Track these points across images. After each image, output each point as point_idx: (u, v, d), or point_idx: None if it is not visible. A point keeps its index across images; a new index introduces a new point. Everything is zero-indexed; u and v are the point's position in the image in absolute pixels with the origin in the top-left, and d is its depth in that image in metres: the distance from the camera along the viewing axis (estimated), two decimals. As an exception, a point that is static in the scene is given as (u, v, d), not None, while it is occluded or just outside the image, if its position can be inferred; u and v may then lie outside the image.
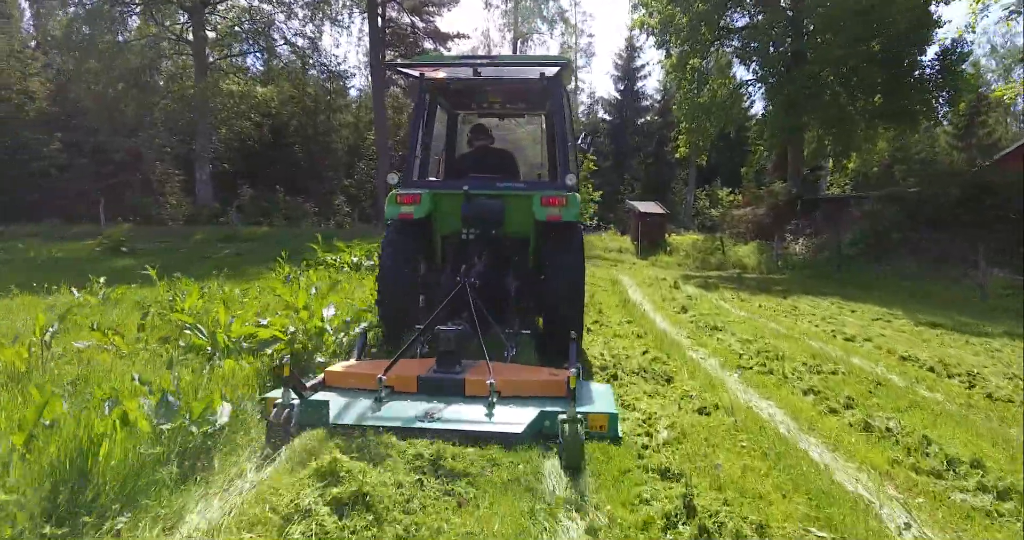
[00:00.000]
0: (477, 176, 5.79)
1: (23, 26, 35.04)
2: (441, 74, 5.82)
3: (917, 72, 20.54)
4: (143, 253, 15.75)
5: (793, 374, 5.25)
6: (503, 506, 2.66)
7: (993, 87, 43.36)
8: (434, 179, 6.58)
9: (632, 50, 48.58)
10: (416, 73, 5.78)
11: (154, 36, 29.57)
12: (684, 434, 3.58)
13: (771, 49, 22.14)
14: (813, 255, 19.33)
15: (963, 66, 20.74)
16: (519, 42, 46.38)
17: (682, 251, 23.06)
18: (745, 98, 26.23)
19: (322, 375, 3.97)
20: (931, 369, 5.64)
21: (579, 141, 6.74)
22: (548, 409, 3.53)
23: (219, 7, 30.72)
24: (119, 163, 28.55)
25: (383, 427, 3.34)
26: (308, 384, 3.66)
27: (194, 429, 2.97)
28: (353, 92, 43.50)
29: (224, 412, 3.06)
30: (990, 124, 37.03)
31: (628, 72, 48.92)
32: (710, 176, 39.98)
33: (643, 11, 25.66)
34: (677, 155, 28.94)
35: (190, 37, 29.61)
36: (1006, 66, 46.09)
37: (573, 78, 48.89)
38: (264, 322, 4.90)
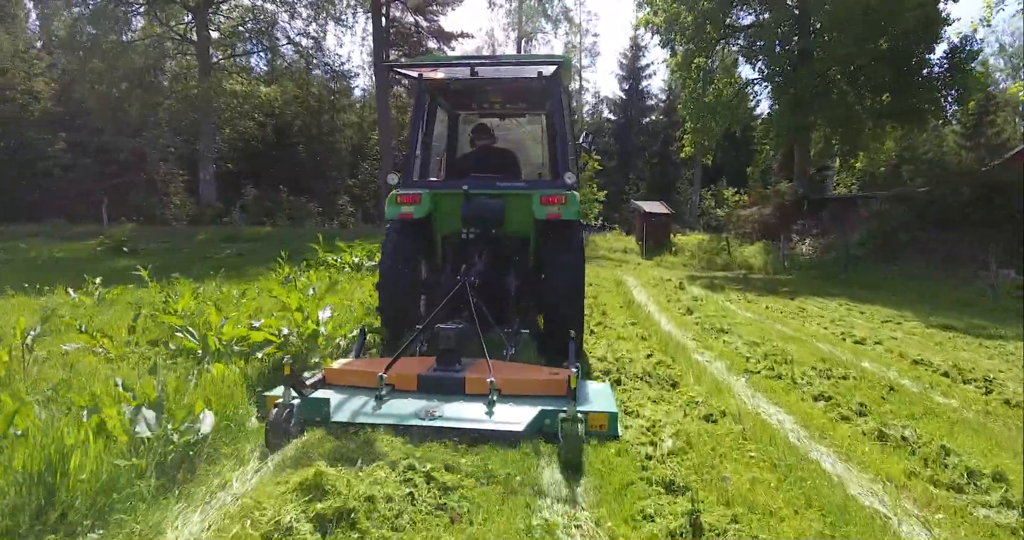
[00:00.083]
0: (477, 176, 5.78)
1: (29, 26, 35.11)
2: (439, 74, 5.80)
3: (925, 70, 20.31)
4: (145, 253, 15.69)
5: (802, 379, 5.08)
6: (498, 522, 2.52)
7: (1002, 86, 43.02)
8: (435, 179, 6.58)
9: (637, 49, 48.39)
10: (414, 74, 5.76)
11: (158, 36, 29.55)
12: (690, 443, 3.42)
13: (777, 48, 21.93)
14: (820, 255, 19.12)
15: (972, 64, 20.48)
16: (523, 42, 46.18)
17: (687, 251, 22.87)
18: (751, 97, 26.02)
19: (322, 373, 3.95)
20: (945, 374, 5.46)
21: (580, 140, 6.78)
22: (548, 408, 3.51)
23: (223, 7, 30.71)
24: (123, 163, 28.57)
25: (383, 425, 3.33)
26: (308, 382, 3.63)
27: (175, 438, 2.82)
28: (357, 92, 43.49)
29: (207, 420, 2.91)
30: (998, 124, 36.68)
31: (633, 71, 48.71)
32: (715, 176, 39.73)
33: (648, 10, 25.45)
34: (682, 155, 28.71)
35: (194, 37, 29.57)
36: (1015, 65, 45.69)
37: (577, 77, 48.86)
38: (257, 324, 4.78)
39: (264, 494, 2.63)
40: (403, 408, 3.57)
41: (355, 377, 3.90)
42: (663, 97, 48.65)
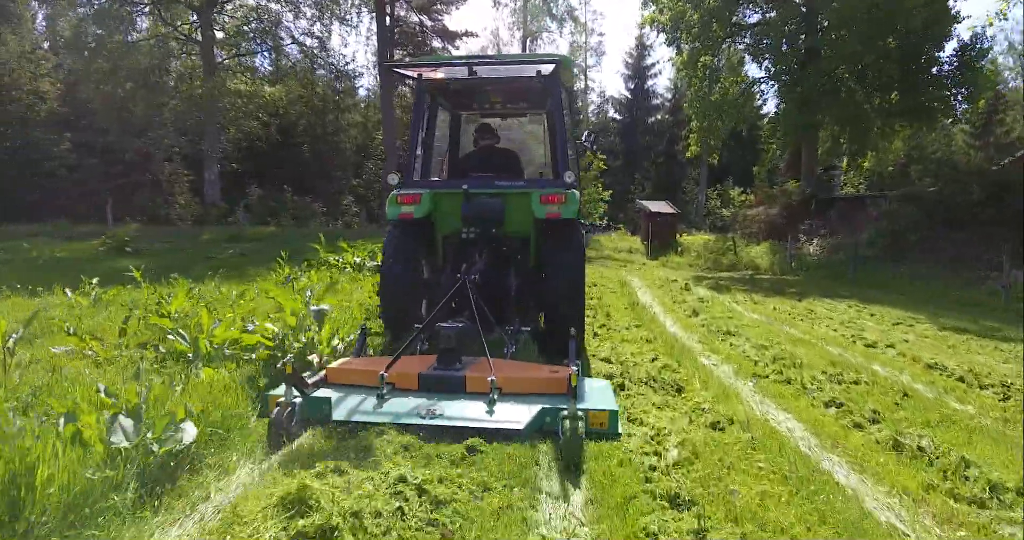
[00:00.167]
0: (477, 175, 5.80)
1: (36, 27, 35.18)
2: (439, 74, 5.82)
3: (935, 68, 20.05)
4: (147, 253, 15.62)
5: (812, 384, 4.92)
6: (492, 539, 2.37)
7: (1011, 85, 42.57)
8: (436, 179, 6.59)
9: (642, 48, 48.18)
10: (414, 74, 5.78)
11: (162, 36, 29.54)
12: (696, 453, 3.27)
13: (784, 46, 21.69)
14: (828, 256, 18.89)
15: (983, 62, 20.21)
16: (528, 41, 46.06)
17: (693, 251, 22.66)
18: (757, 96, 25.82)
19: (323, 372, 3.95)
20: (961, 379, 5.28)
21: (583, 139, 6.81)
22: (549, 406, 3.51)
23: (227, 6, 30.67)
24: (128, 163, 28.59)
25: (384, 424, 3.34)
26: (310, 381, 3.63)
27: (155, 448, 2.69)
28: (362, 91, 43.46)
29: (188, 430, 2.78)
30: (1008, 123, 36.31)
31: (638, 71, 48.49)
32: (722, 175, 39.46)
33: (653, 8, 25.26)
34: (688, 154, 28.48)
35: (199, 37, 29.55)
36: (1024, 63, 45.15)
37: (582, 77, 48.70)
38: (252, 327, 4.65)
39: (246, 508, 2.50)
40: (404, 407, 3.58)
41: (356, 376, 3.92)
42: (669, 96, 48.43)
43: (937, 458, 3.35)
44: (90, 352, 4.48)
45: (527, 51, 43.04)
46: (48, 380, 3.52)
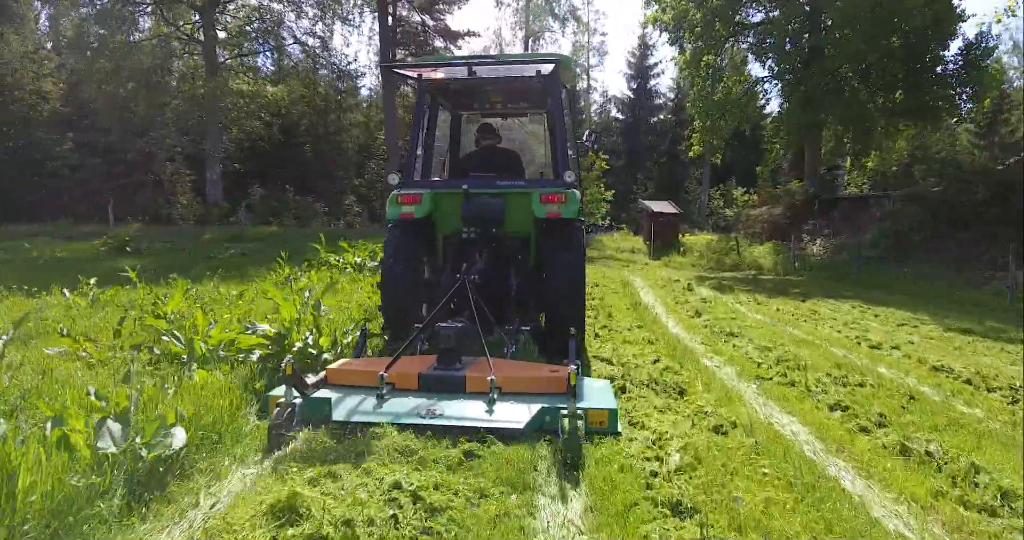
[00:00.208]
0: (477, 175, 5.79)
1: (39, 27, 35.21)
2: (439, 74, 5.83)
3: (940, 67, 19.90)
4: (148, 253, 15.61)
5: (817, 386, 4.84)
6: (488, 548, 2.31)
7: (1016, 84, 42.32)
8: (437, 179, 6.60)
9: (645, 48, 48.08)
10: (414, 74, 5.79)
11: (165, 36, 29.53)
12: (699, 458, 3.19)
13: (787, 45, 21.56)
14: (831, 256, 18.78)
15: (988, 61, 20.06)
16: (531, 40, 45.97)
17: (696, 252, 22.56)
18: (760, 95, 25.65)
19: (324, 373, 3.95)
20: (968, 381, 5.20)
21: (584, 139, 6.80)
22: (549, 405, 3.51)
23: (229, 6, 30.64)
24: (130, 163, 28.61)
25: (385, 424, 3.33)
26: (310, 382, 3.61)
27: (144, 453, 2.63)
28: (364, 91, 43.47)
29: (179, 434, 2.71)
30: (1012, 122, 36.09)
31: (641, 70, 48.39)
32: (724, 175, 39.35)
33: (656, 7, 25.18)
34: (691, 154, 28.35)
35: (201, 37, 29.54)
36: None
37: (585, 76, 48.58)
38: (253, 329, 4.58)
39: (236, 515, 2.43)
40: (404, 407, 3.58)
41: (356, 376, 3.92)
42: (671, 96, 48.32)
43: (946, 464, 3.27)
44: (84, 353, 4.42)
45: (529, 51, 42.96)
46: (38, 382, 3.46)
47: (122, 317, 5.17)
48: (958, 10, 19.01)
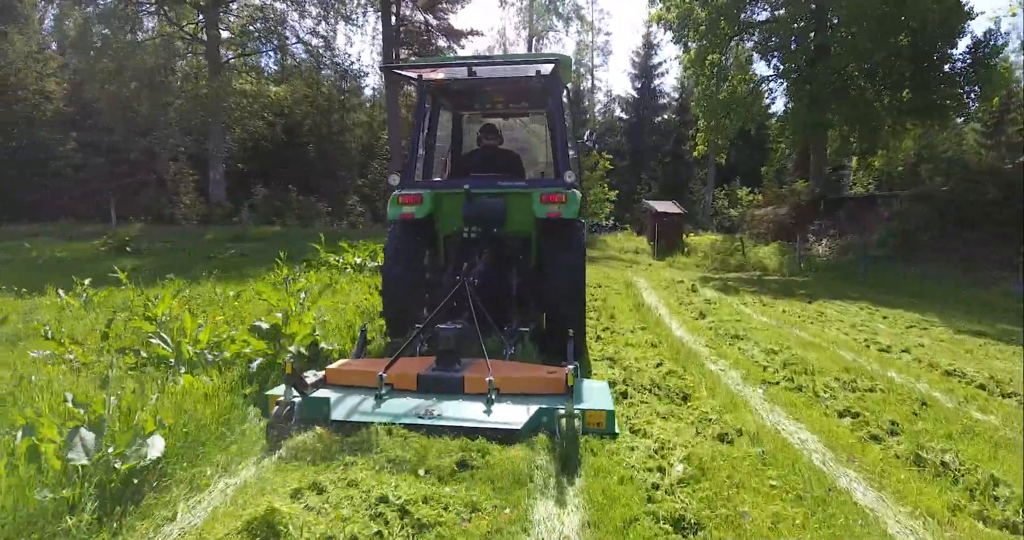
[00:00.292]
0: (478, 175, 5.79)
1: (43, 28, 35.23)
2: (439, 75, 5.84)
3: (947, 66, 19.67)
4: (148, 253, 15.52)
5: (825, 391, 4.68)
6: (478, 569, 2.17)
7: (1022, 84, 41.92)
8: (437, 179, 6.58)
9: (649, 48, 47.84)
10: (414, 75, 5.79)
11: (168, 35, 29.50)
12: (703, 469, 3.05)
13: (793, 43, 21.36)
14: (837, 256, 18.57)
15: (996, 59, 19.82)
16: (535, 40, 45.82)
17: (700, 252, 22.36)
18: (766, 94, 25.40)
19: (323, 373, 3.96)
20: (981, 386, 5.03)
21: (584, 139, 6.71)
22: (546, 406, 3.51)
23: (232, 6, 30.60)
24: (133, 162, 28.57)
25: (379, 428, 3.29)
26: (309, 382, 3.64)
27: (117, 464, 2.50)
28: (367, 91, 43.32)
29: (156, 444, 2.58)
30: (1020, 122, 35.74)
31: (645, 70, 48.15)
32: (729, 175, 39.06)
33: (660, 6, 24.97)
34: (695, 154, 28.11)
35: (204, 36, 29.50)
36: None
37: (589, 76, 48.42)
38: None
39: (212, 531, 2.30)
40: (402, 407, 3.59)
41: (355, 377, 3.92)
42: (676, 95, 48.05)
43: (962, 475, 3.12)
44: (70, 356, 4.30)
45: (533, 50, 42.83)
46: (14, 388, 3.34)
47: (110, 319, 5.05)
48: (966, 7, 18.79)
